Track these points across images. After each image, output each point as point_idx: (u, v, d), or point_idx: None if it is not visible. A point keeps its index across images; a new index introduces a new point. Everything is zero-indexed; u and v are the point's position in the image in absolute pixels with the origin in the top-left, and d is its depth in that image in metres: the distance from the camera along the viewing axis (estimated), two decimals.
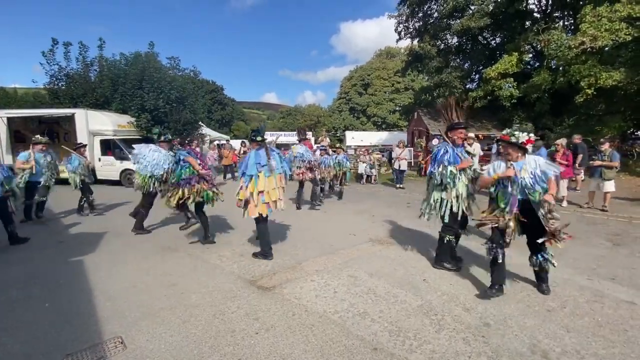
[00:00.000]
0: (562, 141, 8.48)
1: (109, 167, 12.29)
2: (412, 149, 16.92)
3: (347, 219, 7.02)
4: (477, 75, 20.74)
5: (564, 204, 8.06)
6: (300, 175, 7.60)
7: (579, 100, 12.30)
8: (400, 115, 42.06)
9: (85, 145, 7.96)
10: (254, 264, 4.35)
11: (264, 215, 4.37)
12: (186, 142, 6.02)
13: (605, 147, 7.70)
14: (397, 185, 11.43)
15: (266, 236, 4.50)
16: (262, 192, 4.25)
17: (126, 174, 12.13)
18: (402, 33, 19.92)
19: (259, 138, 4.46)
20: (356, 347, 2.58)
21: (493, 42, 19.16)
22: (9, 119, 12.50)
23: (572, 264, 4.37)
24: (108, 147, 12.38)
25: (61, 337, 2.77)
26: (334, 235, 5.71)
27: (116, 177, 12.20)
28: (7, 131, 12.64)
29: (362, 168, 13.19)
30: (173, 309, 3.18)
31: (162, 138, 5.64)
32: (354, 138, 23.16)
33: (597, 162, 7.62)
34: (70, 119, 12.02)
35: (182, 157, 5.09)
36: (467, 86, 20.14)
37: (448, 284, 3.72)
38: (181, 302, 3.31)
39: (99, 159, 12.33)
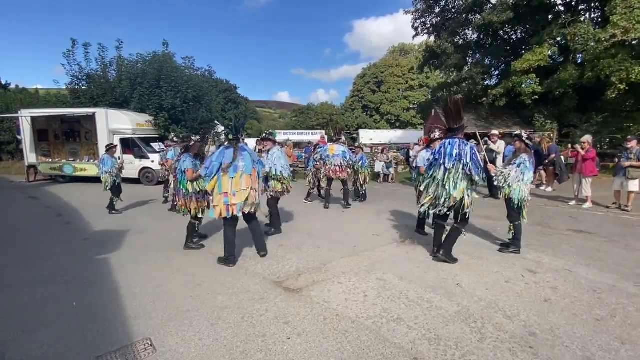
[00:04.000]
0: (588, 138, 8.09)
1: (128, 166, 12.40)
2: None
3: (368, 219, 6.86)
4: (496, 72, 20.17)
5: (587, 204, 7.68)
6: (338, 173, 7.57)
7: (610, 96, 11.74)
8: (416, 114, 41.43)
9: (115, 146, 8.07)
10: (277, 265, 4.25)
11: (225, 216, 4.06)
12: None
13: (633, 144, 7.28)
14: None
15: (229, 240, 4.19)
16: (225, 193, 3.99)
17: (145, 172, 12.27)
18: (419, 29, 19.51)
19: (231, 136, 4.13)
20: (395, 356, 2.43)
21: (514, 36, 18.56)
22: (32, 118, 12.83)
23: (615, 269, 4.10)
24: (127, 145, 12.54)
25: (89, 338, 2.72)
26: (357, 235, 5.56)
27: (135, 175, 12.35)
28: (31, 130, 12.98)
29: (379, 167, 12.98)
30: (200, 311, 3.10)
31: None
32: (371, 139, 22.82)
33: (626, 164, 7.21)
34: (91, 118, 12.24)
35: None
36: (486, 83, 19.60)
37: (484, 289, 3.53)
38: (208, 304, 3.23)
39: (119, 157, 12.49)
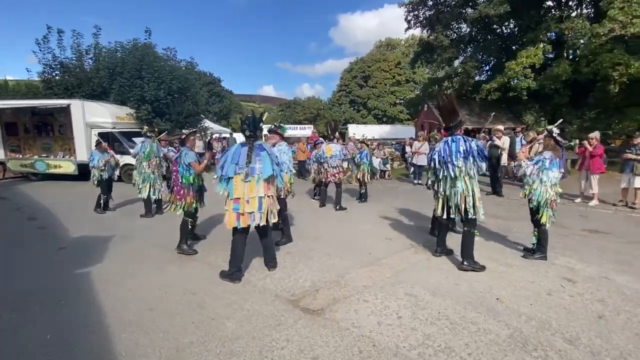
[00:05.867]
0: (596, 134, 7.94)
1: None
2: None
3: (374, 219, 6.42)
4: (487, 67, 20.06)
5: (594, 202, 7.54)
6: (336, 175, 7.10)
7: (613, 91, 11.72)
8: (406, 109, 41.20)
9: (102, 142, 7.52)
10: (288, 278, 3.74)
11: (236, 227, 3.54)
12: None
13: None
14: (415, 182, 10.83)
15: (236, 251, 3.62)
16: (237, 199, 3.48)
17: (127, 170, 11.39)
18: (412, 22, 19.12)
19: (247, 133, 3.60)
20: None
21: (507, 31, 18.44)
22: None
23: None
24: (107, 140, 11.58)
25: None
26: (368, 240, 5.11)
27: (116, 173, 11.45)
28: None
29: (375, 163, 12.55)
30: (207, 344, 2.56)
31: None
32: (364, 134, 22.30)
33: (631, 156, 7.11)
34: (66, 110, 11.21)
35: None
36: (477, 78, 19.47)
37: (528, 304, 3.14)
38: (215, 333, 2.69)
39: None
